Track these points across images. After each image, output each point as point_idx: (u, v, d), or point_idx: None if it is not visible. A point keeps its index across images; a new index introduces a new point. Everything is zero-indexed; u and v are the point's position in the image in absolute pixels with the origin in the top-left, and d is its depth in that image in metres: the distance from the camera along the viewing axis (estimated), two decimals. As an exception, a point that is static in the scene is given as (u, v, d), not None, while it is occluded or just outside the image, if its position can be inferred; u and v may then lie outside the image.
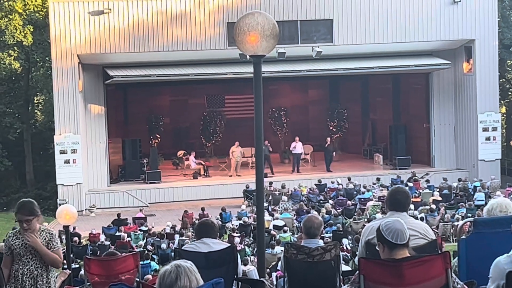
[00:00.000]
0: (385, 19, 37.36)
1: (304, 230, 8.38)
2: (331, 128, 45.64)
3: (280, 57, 34.75)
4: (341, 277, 8.16)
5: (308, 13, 37.17)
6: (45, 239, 8.60)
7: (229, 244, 8.75)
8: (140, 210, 31.72)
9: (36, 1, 41.74)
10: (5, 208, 41.99)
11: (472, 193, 32.38)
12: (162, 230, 27.09)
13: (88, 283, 10.54)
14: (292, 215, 29.07)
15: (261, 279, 8.44)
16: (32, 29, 41.60)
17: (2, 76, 46.54)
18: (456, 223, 25.33)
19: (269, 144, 39.27)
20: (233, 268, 8.31)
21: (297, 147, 39.93)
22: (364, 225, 22.65)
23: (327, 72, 38.46)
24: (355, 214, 29.06)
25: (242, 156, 39.56)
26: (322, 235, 11.04)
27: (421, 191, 33.07)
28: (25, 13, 41.62)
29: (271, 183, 34.34)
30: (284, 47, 34.82)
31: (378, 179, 35.59)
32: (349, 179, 35.38)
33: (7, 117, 46.80)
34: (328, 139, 40.63)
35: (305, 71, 37.70)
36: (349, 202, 30.98)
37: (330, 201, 31.46)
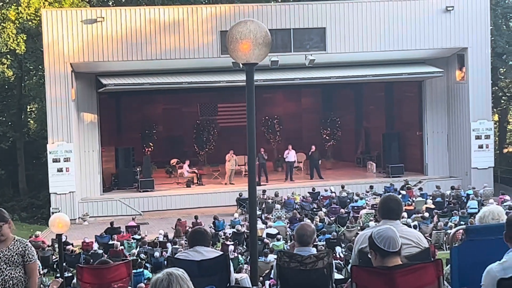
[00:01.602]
0: (378, 28, 37.44)
1: (297, 238, 8.37)
2: (324, 136, 45.68)
3: (273, 65, 34.81)
4: (333, 285, 8.15)
5: (301, 22, 37.23)
6: (19, 250, 8.17)
7: (221, 252, 8.75)
8: (133, 219, 31.66)
9: (29, 9, 41.71)
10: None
11: (465, 201, 32.40)
12: (155, 239, 27.04)
13: (80, 292, 10.52)
14: (285, 223, 29.05)
15: (254, 287, 8.45)
16: (25, 38, 41.57)
17: (-5, 84, 46.58)
18: (449, 231, 25.35)
19: (264, 152, 39.38)
20: (226, 277, 8.30)
21: (290, 155, 39.95)
22: (357, 233, 22.63)
23: (320, 80, 38.51)
24: (348, 222, 29.06)
25: (236, 164, 39.55)
26: (315, 243, 10.97)
27: (414, 199, 33.07)
28: (18, 22, 41.58)
29: (264, 191, 34.36)
30: (277, 55, 34.88)
31: (371, 187, 35.61)
32: (342, 187, 35.37)
33: (-1, 125, 46.81)
34: (313, 146, 40.56)
35: (298, 79, 37.72)
36: (342, 210, 30.95)
37: (324, 209, 31.48)
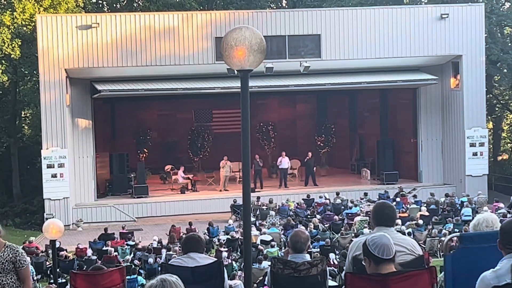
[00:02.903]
0: (373, 35, 37.47)
1: (291, 245, 8.36)
2: (319, 142, 45.67)
3: (268, 71, 34.82)
4: (327, 292, 8.15)
5: (296, 28, 37.26)
6: (10, 256, 8.08)
7: (215, 259, 8.73)
8: (123, 227, 31.28)
9: (24, 14, 41.67)
10: (-9, 222, 41.78)
11: (459, 208, 32.42)
12: (149, 245, 27.00)
13: (74, 298, 10.49)
14: (279, 230, 29.03)
15: (248, 294, 8.43)
16: (20, 43, 41.51)
17: (-10, 89, 46.48)
18: (443, 238, 25.35)
19: (259, 159, 39.34)
20: (220, 283, 8.29)
21: (283, 162, 39.94)
22: (351, 240, 22.64)
23: (315, 87, 38.53)
24: (343, 229, 29.03)
25: (231, 171, 39.52)
26: (309, 250, 10.99)
27: (408, 206, 33.09)
28: (13, 27, 41.54)
29: (258, 197, 34.36)
30: (272, 62, 34.88)
31: (365, 194, 35.62)
32: (337, 194, 35.37)
33: (-6, 131, 46.71)
34: (310, 153, 40.55)
35: (293, 86, 37.74)
36: (336, 217, 30.94)
37: (318, 216, 31.46)
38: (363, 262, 6.16)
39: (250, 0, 52.79)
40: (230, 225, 30.22)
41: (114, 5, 54.21)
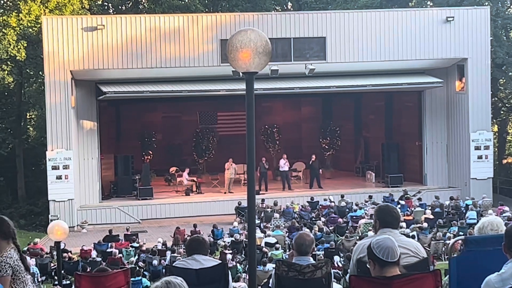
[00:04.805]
0: (378, 37, 37.45)
1: (296, 247, 8.34)
2: (324, 145, 45.64)
3: (273, 74, 34.80)
4: (332, 294, 8.13)
5: (301, 31, 37.25)
6: None
7: (220, 261, 8.73)
8: (127, 229, 31.25)
9: (29, 16, 41.72)
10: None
11: (464, 211, 32.36)
12: (153, 247, 27.00)
13: (78, 300, 10.49)
14: (284, 233, 29.01)
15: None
16: (25, 44, 41.55)
17: (-5, 91, 46.51)
18: (448, 242, 25.31)
19: (265, 162, 39.34)
20: (224, 285, 8.28)
21: (284, 164, 39.95)
22: (355, 243, 22.61)
23: (320, 90, 38.47)
24: (347, 231, 28.99)
25: (236, 173, 39.52)
26: (314, 253, 10.92)
27: (413, 209, 33.03)
28: (19, 28, 41.59)
29: (263, 200, 34.34)
30: (277, 64, 34.89)
31: (370, 197, 35.56)
32: (342, 196, 35.34)
33: (-1, 132, 46.73)
34: (314, 156, 40.55)
35: (298, 88, 37.70)
36: (341, 220, 30.94)
37: (322, 219, 31.42)
38: (367, 265, 6.15)
39: (255, 2, 52.81)
40: (234, 227, 30.21)
41: (120, 7, 54.28)
